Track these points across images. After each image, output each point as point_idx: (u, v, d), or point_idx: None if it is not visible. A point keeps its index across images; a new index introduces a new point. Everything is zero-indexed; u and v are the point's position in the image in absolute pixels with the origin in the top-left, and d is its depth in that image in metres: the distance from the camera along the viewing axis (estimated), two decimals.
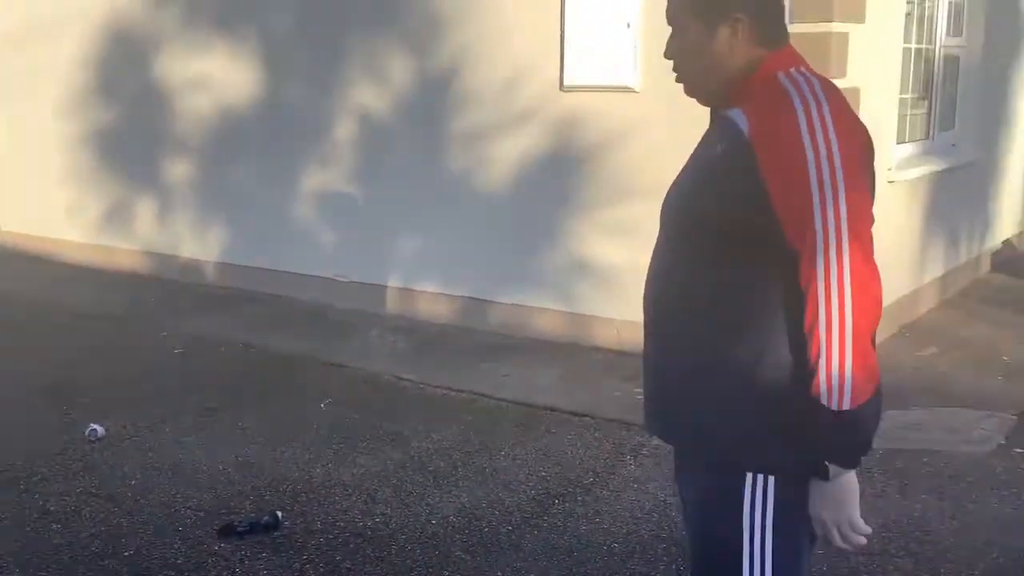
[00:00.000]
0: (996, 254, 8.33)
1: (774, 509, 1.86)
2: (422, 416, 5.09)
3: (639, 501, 4.09)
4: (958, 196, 7.32)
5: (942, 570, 3.50)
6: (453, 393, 5.47)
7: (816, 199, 1.73)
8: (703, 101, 2.03)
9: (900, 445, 4.57)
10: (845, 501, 1.82)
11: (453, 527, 3.87)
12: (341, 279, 7.23)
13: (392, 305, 7.00)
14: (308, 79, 7.16)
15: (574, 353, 6.09)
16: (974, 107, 7.52)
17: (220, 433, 4.86)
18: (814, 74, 1.89)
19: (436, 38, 6.48)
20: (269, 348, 6.29)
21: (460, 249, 6.67)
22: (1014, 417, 5.00)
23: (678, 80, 2.02)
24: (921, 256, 6.74)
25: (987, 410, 5.06)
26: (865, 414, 1.75)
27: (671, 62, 2.03)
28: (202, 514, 3.97)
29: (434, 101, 6.58)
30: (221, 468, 4.43)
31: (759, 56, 1.91)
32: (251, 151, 7.57)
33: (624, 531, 3.84)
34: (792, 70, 1.87)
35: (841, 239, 1.72)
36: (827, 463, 1.79)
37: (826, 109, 1.77)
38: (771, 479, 1.85)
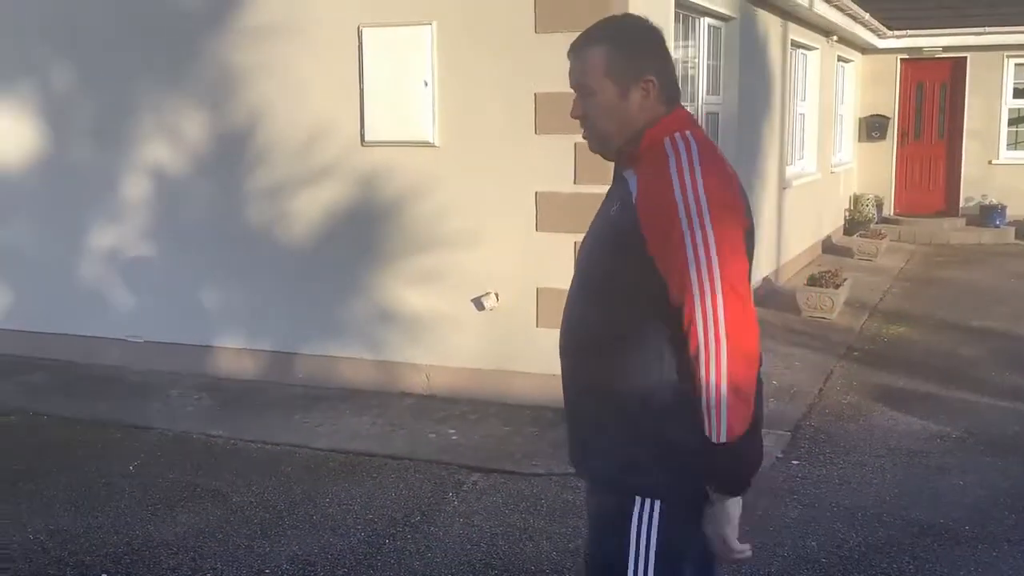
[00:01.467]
0: (756, 290, 9.18)
1: (658, 534, 2.04)
2: (239, 471, 5.06)
3: (467, 533, 4.27)
4: None
5: (742, 570, 3.88)
6: (268, 446, 5.46)
7: (691, 256, 1.92)
8: (610, 157, 2.20)
9: None
10: (722, 522, 1.99)
11: (287, 575, 3.91)
12: (134, 339, 7.03)
13: (192, 364, 6.87)
14: (93, 134, 6.97)
15: (385, 400, 6.22)
16: (730, 158, 8.30)
17: (25, 504, 4.63)
18: (696, 136, 2.07)
19: (232, 92, 6.52)
20: (64, 415, 6.03)
21: (262, 303, 6.67)
22: (788, 433, 5.56)
23: (586, 137, 2.21)
24: None
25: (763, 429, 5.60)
26: (742, 448, 1.93)
27: (578, 120, 2.20)
28: None
29: (231, 156, 6.59)
30: (32, 538, 4.24)
31: (656, 117, 2.09)
32: (28, 210, 7.25)
33: (456, 562, 4.00)
34: (677, 135, 2.04)
35: (715, 292, 1.90)
36: (711, 488, 1.98)
37: (698, 174, 1.97)
38: (657, 504, 2.04)
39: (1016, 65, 14.48)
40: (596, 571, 2.18)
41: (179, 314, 6.89)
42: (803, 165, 11.62)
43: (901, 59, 14.82)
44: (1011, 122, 14.62)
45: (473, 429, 5.67)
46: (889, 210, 15.02)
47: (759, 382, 2.02)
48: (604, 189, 6.21)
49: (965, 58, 14.45)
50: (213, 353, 6.84)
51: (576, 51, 2.13)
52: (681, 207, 1.94)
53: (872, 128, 14.95)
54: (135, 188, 6.89)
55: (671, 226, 1.94)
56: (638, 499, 2.04)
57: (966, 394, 6.33)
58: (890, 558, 4.02)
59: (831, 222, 13.32)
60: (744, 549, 2.02)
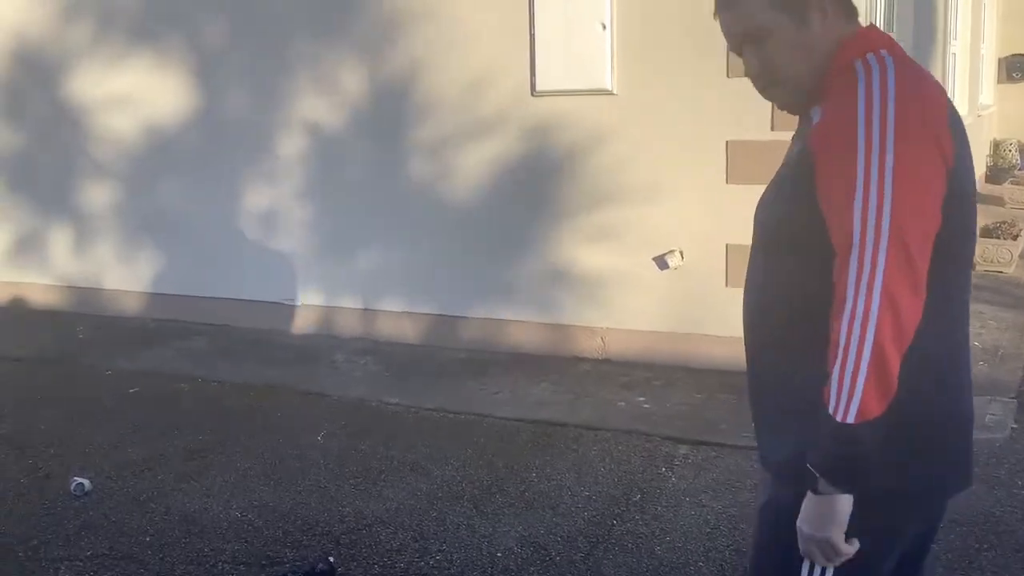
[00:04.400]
0: None
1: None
2: (430, 442, 4.81)
3: (700, 515, 3.94)
4: None
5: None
6: (451, 415, 5.20)
7: (859, 193, 1.54)
8: (799, 111, 1.82)
9: None
10: (829, 522, 1.61)
11: (523, 559, 3.63)
12: (289, 303, 6.84)
13: (351, 328, 6.66)
14: (248, 90, 6.74)
15: (558, 365, 5.91)
16: None
17: (220, 477, 4.45)
18: (896, 54, 1.68)
19: (390, 42, 6.20)
20: (235, 380, 5.86)
21: (424, 265, 6.39)
22: (1013, 400, 5.10)
23: (769, 96, 1.83)
24: None
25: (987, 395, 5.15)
26: (865, 435, 1.54)
27: (755, 80, 1.82)
28: (243, 568, 3.60)
29: (392, 110, 6.29)
30: (240, 515, 4.04)
31: (839, 39, 1.73)
32: (182, 171, 7.07)
33: (700, 548, 3.68)
34: (870, 55, 1.67)
35: (879, 241, 1.51)
36: (817, 475, 1.60)
37: (891, 95, 1.58)
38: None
39: None
40: (766, 562, 1.86)
41: (336, 277, 6.67)
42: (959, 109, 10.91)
43: None
44: None
45: (663, 396, 5.33)
46: None
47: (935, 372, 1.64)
48: None
49: None
50: (373, 316, 6.61)
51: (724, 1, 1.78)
52: (861, 129, 1.55)
53: (1013, 68, 14.04)
54: (291, 146, 6.65)
55: (843, 151, 1.56)
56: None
57: None
58: None
59: (976, 169, 12.56)
60: (851, 549, 1.64)
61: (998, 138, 14.10)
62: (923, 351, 1.59)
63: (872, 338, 1.50)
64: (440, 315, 6.41)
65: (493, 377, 5.78)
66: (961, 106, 11.13)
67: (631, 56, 5.59)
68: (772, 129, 5.29)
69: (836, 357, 1.54)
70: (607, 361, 5.91)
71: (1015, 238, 8.08)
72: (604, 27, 5.61)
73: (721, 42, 5.38)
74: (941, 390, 1.70)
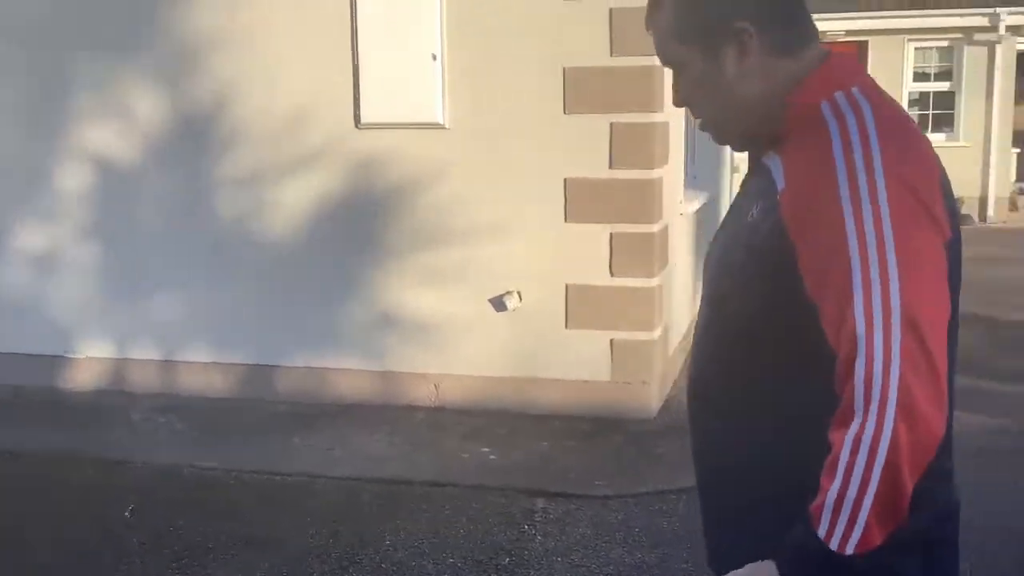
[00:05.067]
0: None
1: None
2: (261, 511, 4.31)
3: (586, 567, 3.68)
4: (706, 229, 7.67)
5: None
6: (279, 478, 4.70)
7: (857, 280, 1.27)
8: (739, 147, 1.59)
9: None
10: None
11: None
12: (74, 356, 6.06)
13: (147, 382, 5.96)
14: (17, 115, 5.94)
15: (390, 415, 5.51)
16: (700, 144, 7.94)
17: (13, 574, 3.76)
18: (870, 96, 1.40)
19: (195, 66, 5.64)
20: (14, 448, 5.05)
21: (235, 310, 5.82)
22: None
23: (703, 129, 1.60)
24: (690, 282, 6.94)
25: None
26: (860, 566, 1.27)
27: (689, 110, 1.60)
28: None
29: (195, 141, 5.71)
30: None
31: (793, 73, 1.45)
32: None
33: None
34: (839, 95, 1.39)
35: (890, 334, 1.25)
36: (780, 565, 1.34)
37: (877, 155, 1.31)
38: None
39: (916, 49, 14.76)
40: None
41: (129, 325, 5.96)
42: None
43: None
44: (910, 104, 14.91)
45: (508, 445, 5.06)
46: None
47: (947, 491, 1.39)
48: (646, 174, 5.71)
49: (867, 42, 14.63)
50: (173, 368, 5.95)
51: (648, 20, 1.54)
52: (848, 205, 1.29)
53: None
54: (73, 180, 5.91)
55: (832, 235, 1.30)
56: None
57: None
58: None
59: None
60: None
61: None
62: None
63: (883, 460, 1.23)
64: (254, 365, 5.85)
65: (321, 431, 5.31)
66: None
67: (464, 89, 5.34)
68: (611, 167, 5.18)
69: (835, 476, 1.26)
70: (442, 409, 5.57)
71: None
72: (435, 58, 5.33)
73: (558, 78, 5.25)
74: (928, 477, 1.35)
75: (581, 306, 5.32)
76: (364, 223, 5.58)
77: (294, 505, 4.37)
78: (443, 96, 5.36)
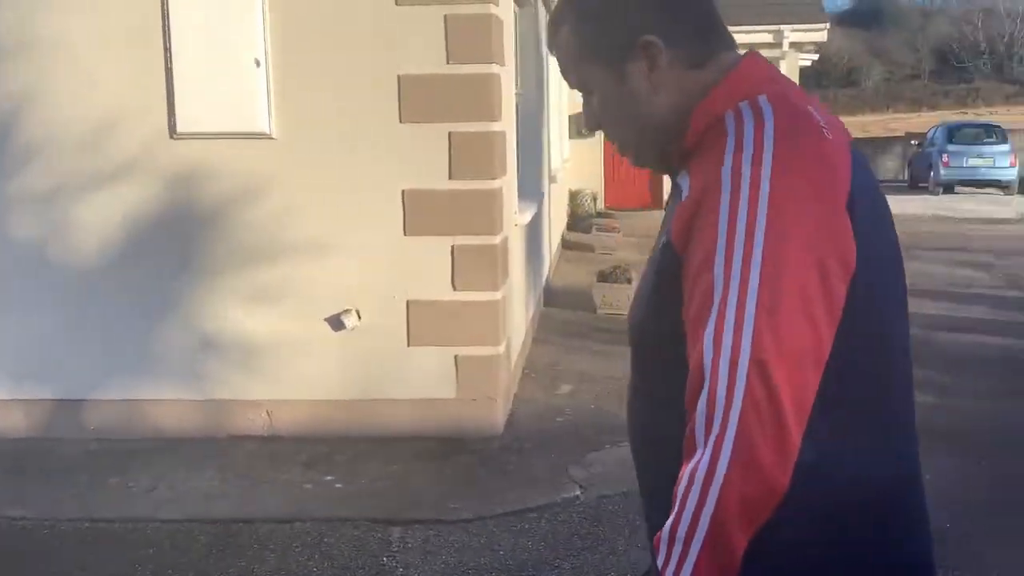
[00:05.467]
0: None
1: None
2: (86, 564, 3.85)
3: None
4: (536, 242, 7.65)
5: None
6: (104, 525, 4.24)
7: (716, 303, 1.15)
8: (658, 168, 1.44)
9: None
10: None
11: None
12: None
13: None
14: None
15: (217, 448, 5.11)
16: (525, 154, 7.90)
17: None
18: (775, 100, 1.29)
19: None
20: None
21: (35, 340, 5.25)
22: None
23: (620, 153, 1.47)
24: (524, 295, 6.88)
25: None
26: None
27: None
28: None
29: None
30: None
31: (706, 85, 1.34)
32: None
33: None
34: (744, 104, 1.28)
35: (736, 374, 1.12)
36: None
37: (767, 158, 1.20)
38: None
39: None
40: None
41: None
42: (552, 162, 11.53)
43: None
44: None
45: (354, 473, 4.78)
46: (601, 205, 15.47)
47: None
48: (487, 184, 5.60)
49: None
50: None
51: (549, 41, 1.46)
52: (724, 221, 1.17)
53: (580, 124, 15.28)
54: None
55: (704, 250, 1.19)
56: None
57: None
58: None
59: (561, 219, 13.41)
60: None
61: (573, 189, 15.25)
62: (850, 482, 1.23)
63: (713, 504, 1.12)
64: (59, 400, 5.29)
65: (141, 470, 4.84)
66: (556, 159, 11.81)
67: (292, 96, 5.03)
68: (450, 178, 5.01)
69: (673, 511, 1.16)
70: (276, 438, 5.22)
71: (629, 282, 8.57)
72: (258, 64, 5.00)
73: (394, 86, 5.06)
74: (881, 531, 1.27)
75: (423, 322, 5.12)
76: (184, 240, 5.16)
77: (119, 555, 3.94)
78: (269, 104, 5.03)
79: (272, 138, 5.06)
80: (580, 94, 1.44)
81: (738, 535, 1.12)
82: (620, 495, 4.32)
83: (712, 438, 1.11)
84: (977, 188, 22.38)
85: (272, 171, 5.09)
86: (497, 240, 5.09)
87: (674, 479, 1.21)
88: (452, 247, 5.04)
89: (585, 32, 1.38)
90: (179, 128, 5.05)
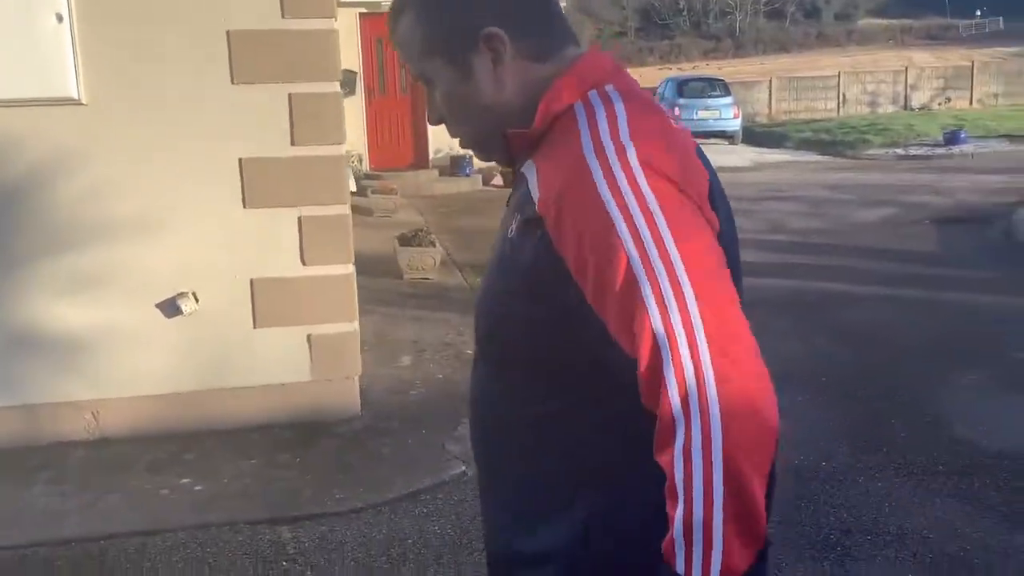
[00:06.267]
0: None
1: None
2: None
3: None
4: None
5: None
6: None
7: (644, 283, 1.15)
8: (503, 161, 1.42)
9: None
10: None
11: None
12: None
13: None
14: None
15: (41, 458, 4.49)
16: None
17: None
18: (621, 88, 1.32)
19: None
20: None
21: None
22: None
23: (463, 147, 1.48)
24: None
25: None
26: None
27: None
28: None
29: None
30: None
31: (550, 78, 1.34)
32: None
33: None
34: (592, 93, 1.30)
35: (696, 344, 1.13)
36: None
37: (631, 153, 1.21)
38: None
39: None
40: None
41: None
42: None
43: (360, 14, 14.85)
44: None
45: (212, 472, 4.36)
46: (367, 166, 15.11)
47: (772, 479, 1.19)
48: (334, 150, 5.31)
49: None
50: None
51: (390, 34, 1.44)
52: (613, 207, 1.19)
53: (342, 84, 14.82)
54: None
55: (604, 239, 1.19)
56: None
57: None
58: None
59: None
60: None
61: None
62: None
63: (721, 465, 1.09)
64: None
65: None
66: None
67: (103, 56, 4.44)
68: (293, 144, 4.64)
69: (677, 499, 1.11)
70: (106, 441, 4.66)
71: (433, 244, 8.41)
72: (60, 19, 4.36)
73: (223, 43, 4.62)
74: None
75: (270, 302, 4.73)
76: None
77: None
78: (76, 65, 4.42)
79: (82, 104, 4.45)
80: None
81: (757, 488, 1.10)
82: None
83: (695, 406, 1.10)
84: (704, 139, 24.00)
85: (84, 142, 4.48)
86: (346, 209, 4.77)
87: (523, 462, 1.28)
88: (299, 219, 4.67)
89: (427, 24, 1.36)
90: None
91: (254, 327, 4.74)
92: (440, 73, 1.36)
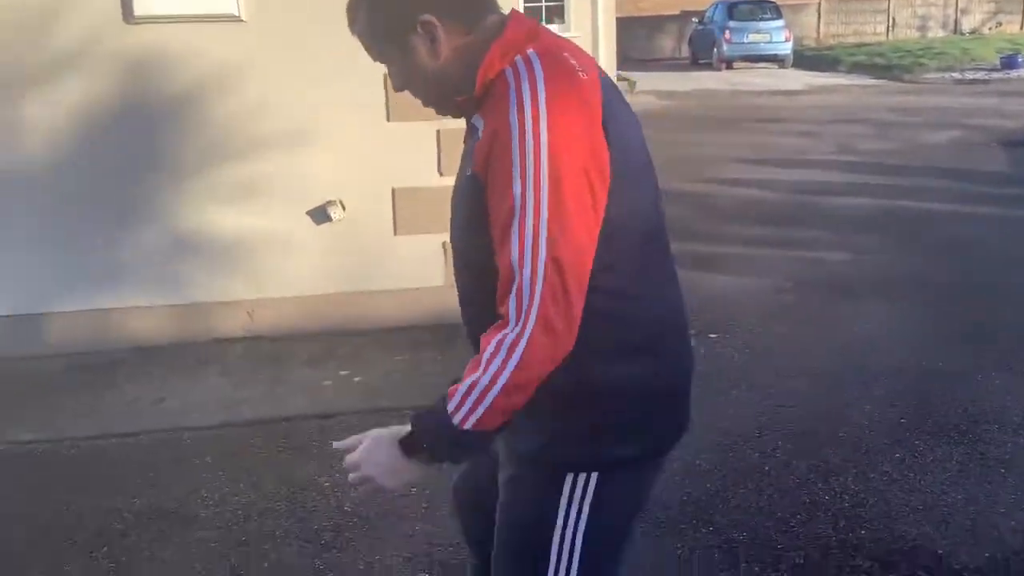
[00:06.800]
0: None
1: (591, 507, 1.73)
2: (138, 478, 3.66)
3: None
4: None
5: None
6: (132, 440, 4.01)
7: (516, 222, 1.49)
8: (457, 115, 1.74)
9: None
10: (396, 477, 1.68)
11: None
12: None
13: None
14: None
15: (205, 353, 4.89)
16: None
17: None
18: (540, 51, 1.59)
19: None
20: None
21: None
22: None
23: (426, 105, 1.79)
24: None
25: None
26: (471, 440, 1.57)
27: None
28: None
29: None
30: None
31: (482, 44, 1.62)
32: None
33: None
34: (518, 59, 1.58)
35: (537, 269, 1.48)
36: (422, 443, 1.63)
37: (542, 113, 1.51)
38: (594, 476, 1.71)
39: None
40: (515, 536, 1.82)
41: None
42: None
43: None
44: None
45: (363, 365, 4.73)
46: None
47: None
48: None
49: None
50: None
51: (350, 25, 1.74)
52: (516, 158, 1.50)
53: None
54: None
55: (503, 183, 1.51)
56: (570, 475, 1.71)
57: None
58: None
59: None
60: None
61: None
62: (633, 319, 1.67)
63: (517, 360, 1.50)
64: (12, 316, 4.85)
65: (136, 382, 4.58)
66: None
67: None
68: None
69: (476, 368, 1.53)
70: (261, 338, 5.04)
71: None
72: None
73: None
74: (660, 353, 1.73)
75: (410, 210, 5.05)
76: (146, 137, 4.79)
77: (175, 464, 3.77)
78: None
79: (241, 20, 4.73)
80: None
81: (532, 383, 1.52)
82: None
83: (523, 317, 1.49)
84: (753, 63, 23.84)
85: (243, 57, 4.77)
86: None
87: (486, 322, 1.58)
88: (437, 131, 4.96)
89: (374, 18, 1.65)
90: (136, 11, 4.63)
91: (394, 234, 5.07)
92: (391, 54, 1.67)
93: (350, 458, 1.71)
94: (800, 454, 3.67)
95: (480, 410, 1.52)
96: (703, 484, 3.47)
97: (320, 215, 4.96)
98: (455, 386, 1.54)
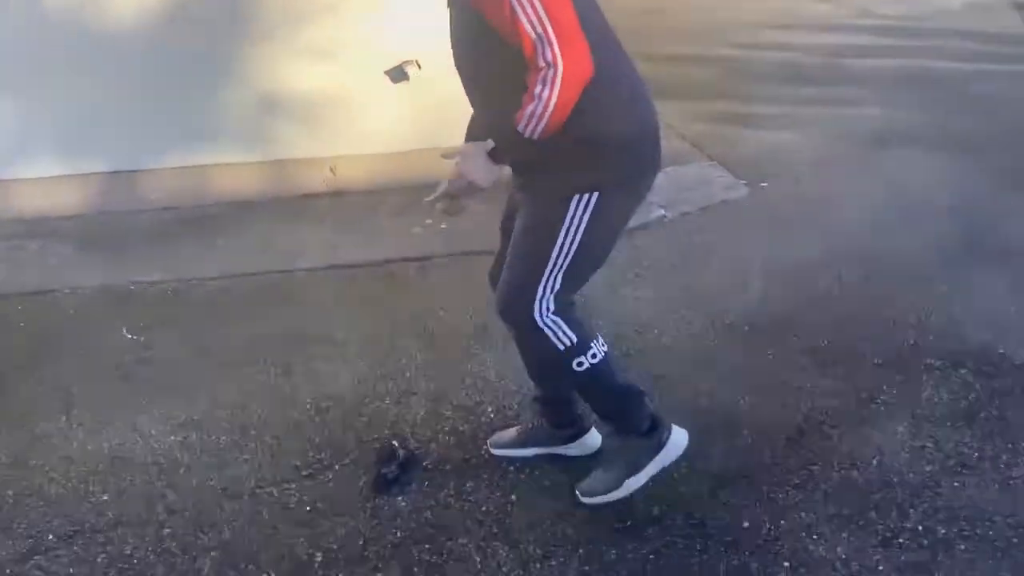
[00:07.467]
0: None
1: (590, 216, 2.40)
2: (294, 306, 4.08)
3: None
4: None
5: None
6: (260, 277, 4.41)
7: (521, 15, 2.17)
8: None
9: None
10: (487, 171, 2.45)
11: None
12: None
13: None
14: None
15: (293, 206, 5.23)
16: None
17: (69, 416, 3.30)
18: None
19: None
20: None
21: (83, 113, 5.04)
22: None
23: None
24: None
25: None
26: (541, 144, 2.29)
27: None
28: None
29: None
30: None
31: None
32: None
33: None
34: None
35: (549, 38, 2.16)
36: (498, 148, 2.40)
37: None
38: (595, 195, 2.39)
39: None
40: (520, 256, 2.53)
41: None
42: None
43: None
44: None
45: (448, 216, 5.06)
46: None
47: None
48: None
49: None
50: (5, 188, 5.08)
51: None
52: None
53: None
54: None
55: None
56: (576, 195, 2.38)
57: None
58: None
59: None
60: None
61: None
62: (616, 73, 2.37)
63: (559, 88, 2.18)
64: (113, 173, 5.17)
65: (239, 232, 4.94)
66: None
67: None
68: None
69: (532, 98, 2.20)
70: (342, 193, 5.38)
71: None
72: None
73: None
74: (640, 110, 2.46)
75: None
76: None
77: (312, 296, 4.18)
78: None
79: None
80: None
81: (571, 104, 2.21)
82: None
83: (552, 57, 2.16)
84: None
85: None
86: None
87: (499, 108, 2.30)
88: None
89: None
90: None
91: None
92: None
93: (453, 168, 2.52)
94: (866, 280, 4.09)
95: (540, 126, 2.23)
96: (781, 305, 3.91)
97: (398, 73, 5.22)
98: (520, 114, 2.22)
